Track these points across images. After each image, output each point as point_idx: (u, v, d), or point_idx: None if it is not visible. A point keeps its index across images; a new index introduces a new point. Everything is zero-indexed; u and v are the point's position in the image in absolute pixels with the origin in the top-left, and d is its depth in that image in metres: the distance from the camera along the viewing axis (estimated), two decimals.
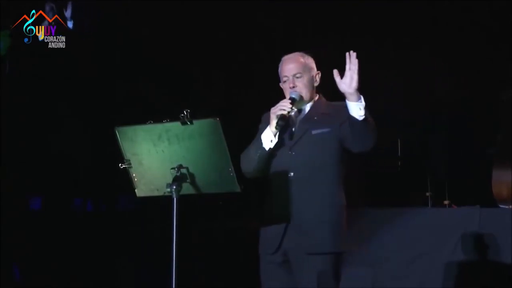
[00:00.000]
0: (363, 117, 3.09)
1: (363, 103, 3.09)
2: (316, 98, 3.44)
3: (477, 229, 5.36)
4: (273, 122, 3.28)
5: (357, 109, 3.09)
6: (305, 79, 3.38)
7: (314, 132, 3.28)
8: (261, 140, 3.35)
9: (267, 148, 3.33)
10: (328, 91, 3.43)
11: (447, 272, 5.33)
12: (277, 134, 3.31)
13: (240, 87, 6.95)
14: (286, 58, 3.46)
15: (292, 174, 3.31)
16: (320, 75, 3.45)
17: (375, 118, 3.24)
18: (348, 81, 3.07)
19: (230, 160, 2.96)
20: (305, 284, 3.26)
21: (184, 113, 2.91)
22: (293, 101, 3.30)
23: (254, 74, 6.92)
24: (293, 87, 3.37)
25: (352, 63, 3.06)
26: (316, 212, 3.25)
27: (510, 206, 5.60)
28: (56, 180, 6.41)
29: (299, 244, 3.26)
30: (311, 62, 3.45)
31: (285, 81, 3.43)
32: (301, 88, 3.37)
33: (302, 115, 3.41)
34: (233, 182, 2.96)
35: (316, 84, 3.43)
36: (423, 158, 7.05)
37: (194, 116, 2.91)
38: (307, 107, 3.42)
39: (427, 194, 6.52)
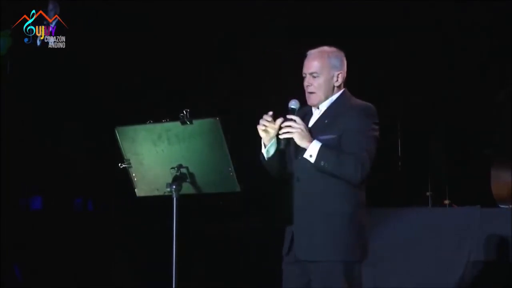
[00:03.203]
0: (314, 163, 3.17)
1: (310, 153, 3.17)
2: (336, 96, 3.35)
3: (477, 229, 5.36)
4: (262, 135, 3.29)
5: (307, 155, 3.18)
6: (321, 79, 3.31)
7: (320, 138, 3.22)
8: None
9: (266, 157, 3.33)
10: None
11: (447, 272, 5.33)
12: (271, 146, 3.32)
13: (240, 87, 6.94)
14: (309, 54, 3.38)
15: (297, 178, 3.30)
16: (343, 74, 3.34)
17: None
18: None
19: (230, 160, 2.96)
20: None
21: (184, 113, 2.90)
22: (292, 111, 3.27)
23: (254, 74, 6.92)
24: (308, 86, 3.33)
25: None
26: (314, 219, 3.22)
27: (510, 206, 5.61)
28: (57, 180, 6.41)
29: (299, 250, 3.27)
30: (334, 61, 3.34)
31: (304, 78, 3.39)
32: (316, 88, 3.31)
33: (316, 116, 3.37)
34: (233, 182, 2.97)
35: (337, 84, 3.33)
36: (423, 158, 7.05)
37: (194, 115, 2.91)
38: (324, 107, 3.35)
39: (427, 194, 6.52)
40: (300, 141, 3.18)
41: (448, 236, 5.42)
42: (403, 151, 6.99)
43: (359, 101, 3.34)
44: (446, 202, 6.35)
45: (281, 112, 3.27)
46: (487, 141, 6.34)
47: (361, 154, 3.16)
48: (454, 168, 6.80)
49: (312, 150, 3.17)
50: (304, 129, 3.19)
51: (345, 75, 3.37)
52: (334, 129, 3.24)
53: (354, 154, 3.15)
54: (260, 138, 3.33)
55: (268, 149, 3.31)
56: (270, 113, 3.26)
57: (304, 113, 3.35)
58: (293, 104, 3.28)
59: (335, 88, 3.34)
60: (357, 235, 3.25)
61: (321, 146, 3.16)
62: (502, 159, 5.92)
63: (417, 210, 6.07)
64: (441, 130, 7.11)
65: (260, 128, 3.26)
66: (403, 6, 6.70)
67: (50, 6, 5.68)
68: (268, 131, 3.25)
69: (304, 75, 3.37)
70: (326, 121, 3.30)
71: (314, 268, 3.22)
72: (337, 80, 3.33)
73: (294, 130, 3.17)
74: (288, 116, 3.22)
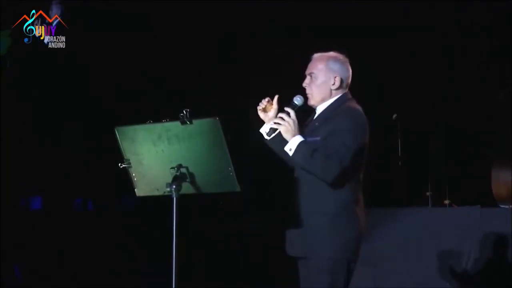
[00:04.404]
0: (291, 157, 3.23)
1: (289, 147, 3.22)
2: (333, 100, 3.41)
3: (477, 229, 5.36)
4: (261, 114, 3.43)
5: (287, 148, 3.24)
6: (318, 80, 3.40)
7: (308, 139, 3.28)
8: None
9: (268, 138, 3.43)
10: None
11: (448, 272, 5.33)
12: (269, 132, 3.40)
13: (240, 87, 6.95)
14: (313, 56, 3.49)
15: (295, 175, 3.38)
16: (340, 78, 3.38)
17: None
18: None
19: (230, 160, 2.96)
20: (305, 285, 3.35)
21: (183, 113, 2.90)
22: (294, 107, 3.32)
23: (254, 74, 6.92)
24: (305, 86, 3.42)
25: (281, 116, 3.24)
26: (303, 217, 3.29)
27: (510, 206, 5.61)
28: (57, 180, 6.42)
29: (289, 247, 3.37)
30: (333, 64, 3.40)
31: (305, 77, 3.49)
32: (312, 88, 3.41)
33: (312, 118, 3.46)
34: (233, 181, 2.96)
35: (333, 87, 3.39)
36: (423, 158, 7.05)
37: (194, 115, 2.91)
38: (320, 110, 3.44)
39: (427, 194, 6.52)
40: (284, 134, 3.24)
41: (448, 236, 5.41)
42: (403, 151, 6.99)
43: (351, 106, 3.37)
44: (446, 202, 6.35)
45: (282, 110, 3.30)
46: (487, 141, 6.34)
47: (337, 155, 3.18)
48: (454, 168, 6.80)
49: (292, 144, 3.23)
50: (292, 125, 3.23)
51: (347, 80, 3.42)
52: (322, 133, 3.30)
53: (330, 155, 3.18)
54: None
55: (267, 129, 3.41)
56: (267, 98, 3.42)
57: (313, 114, 3.45)
58: (297, 99, 3.35)
59: (333, 92, 3.40)
60: (341, 234, 3.27)
61: (301, 142, 3.21)
62: (502, 159, 5.92)
63: (417, 210, 6.07)
64: (441, 130, 7.11)
65: (259, 108, 3.43)
66: (403, 6, 6.71)
67: (53, 6, 5.69)
68: (266, 110, 3.42)
69: (305, 76, 3.46)
70: (317, 124, 3.38)
71: (304, 264, 3.32)
72: (334, 84, 3.39)
73: (282, 122, 3.23)
74: (285, 109, 3.28)
